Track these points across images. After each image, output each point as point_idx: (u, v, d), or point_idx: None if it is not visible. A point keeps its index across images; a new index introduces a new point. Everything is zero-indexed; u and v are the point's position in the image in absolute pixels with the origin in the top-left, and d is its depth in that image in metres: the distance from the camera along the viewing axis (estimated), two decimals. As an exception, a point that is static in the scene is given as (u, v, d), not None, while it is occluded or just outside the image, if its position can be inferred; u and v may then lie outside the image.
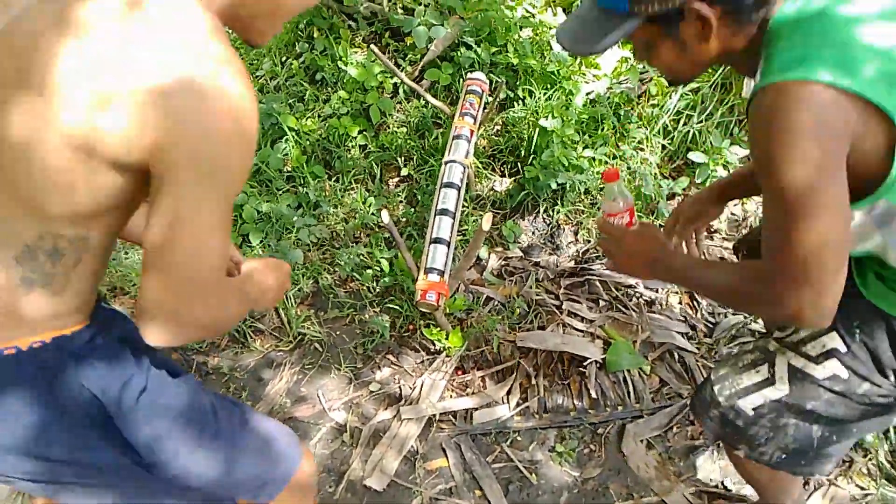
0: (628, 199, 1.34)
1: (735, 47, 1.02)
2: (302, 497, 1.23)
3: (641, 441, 1.83)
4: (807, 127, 0.87)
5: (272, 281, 1.12)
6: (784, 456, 1.21)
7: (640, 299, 2.21)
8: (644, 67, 2.54)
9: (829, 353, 1.11)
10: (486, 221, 1.85)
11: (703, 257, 1.30)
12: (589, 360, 1.99)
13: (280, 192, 2.63)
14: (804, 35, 0.93)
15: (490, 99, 2.35)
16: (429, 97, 2.38)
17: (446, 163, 2.18)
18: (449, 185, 2.12)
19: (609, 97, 2.53)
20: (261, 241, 2.45)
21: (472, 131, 2.27)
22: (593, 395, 1.94)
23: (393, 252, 2.37)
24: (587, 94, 2.56)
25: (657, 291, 2.22)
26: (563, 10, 2.87)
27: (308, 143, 2.72)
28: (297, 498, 1.21)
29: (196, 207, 0.79)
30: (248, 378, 2.16)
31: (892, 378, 1.09)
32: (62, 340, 0.89)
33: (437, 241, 1.99)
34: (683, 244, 1.48)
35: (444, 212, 2.06)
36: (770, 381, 1.17)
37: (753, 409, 1.19)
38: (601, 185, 2.23)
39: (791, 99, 0.88)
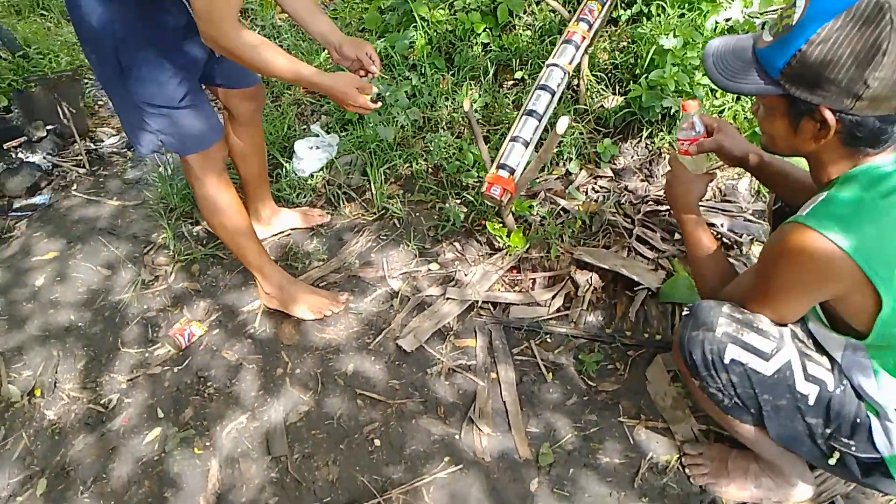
0: (699, 129, 1.50)
1: (827, 162, 1.15)
2: (212, 164, 1.80)
3: (669, 372, 1.80)
4: (805, 260, 1.10)
5: (342, 86, 1.60)
6: (728, 404, 1.32)
7: (720, 240, 2.09)
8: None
9: (818, 381, 1.24)
10: (562, 124, 1.84)
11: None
12: (641, 287, 1.96)
13: (400, 79, 2.76)
14: (860, 205, 1.08)
15: (607, 10, 2.26)
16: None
17: (548, 65, 2.16)
18: (543, 87, 2.10)
19: (746, 29, 2.31)
20: (371, 120, 2.63)
21: (583, 37, 2.21)
22: (633, 319, 1.93)
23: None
24: (726, 20, 2.36)
25: (741, 237, 2.09)
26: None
27: (435, 34, 2.79)
28: (207, 163, 1.79)
29: None
30: (331, 237, 2.39)
31: (828, 431, 1.26)
32: None
33: (515, 139, 2.02)
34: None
35: (531, 112, 2.06)
36: (766, 357, 1.25)
37: (731, 360, 1.26)
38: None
39: (810, 240, 1.07)
